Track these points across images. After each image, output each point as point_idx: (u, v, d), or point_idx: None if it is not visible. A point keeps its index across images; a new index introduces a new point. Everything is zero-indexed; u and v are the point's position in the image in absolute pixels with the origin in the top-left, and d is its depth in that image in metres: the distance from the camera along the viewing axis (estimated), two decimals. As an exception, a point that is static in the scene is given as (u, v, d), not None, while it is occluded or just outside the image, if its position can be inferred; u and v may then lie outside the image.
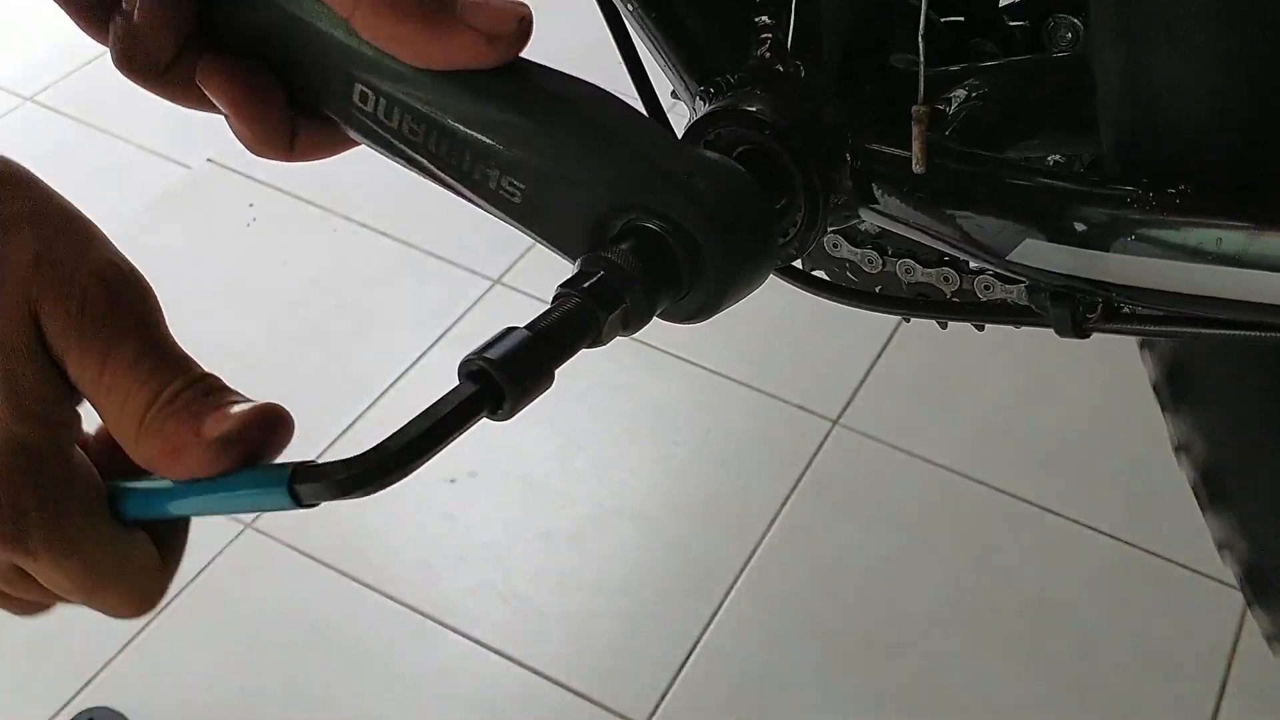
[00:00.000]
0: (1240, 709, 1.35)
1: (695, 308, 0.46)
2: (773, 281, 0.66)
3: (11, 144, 2.02)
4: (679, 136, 0.55)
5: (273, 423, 0.42)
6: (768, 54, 0.55)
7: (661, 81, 0.67)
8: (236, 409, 0.42)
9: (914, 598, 1.46)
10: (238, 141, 0.51)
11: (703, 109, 0.55)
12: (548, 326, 0.42)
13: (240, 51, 0.49)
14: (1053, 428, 1.62)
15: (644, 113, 0.46)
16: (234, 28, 0.49)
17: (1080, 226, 0.48)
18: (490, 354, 0.40)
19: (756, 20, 0.57)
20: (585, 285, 0.43)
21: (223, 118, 0.51)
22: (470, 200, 0.48)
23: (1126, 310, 0.51)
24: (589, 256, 0.44)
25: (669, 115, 0.68)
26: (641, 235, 0.44)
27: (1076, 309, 0.51)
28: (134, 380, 0.41)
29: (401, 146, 0.47)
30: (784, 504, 1.54)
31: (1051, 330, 0.65)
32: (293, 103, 0.50)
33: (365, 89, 0.47)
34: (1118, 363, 1.63)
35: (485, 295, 1.79)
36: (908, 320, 0.68)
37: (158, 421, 0.41)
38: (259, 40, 0.49)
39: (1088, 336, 0.52)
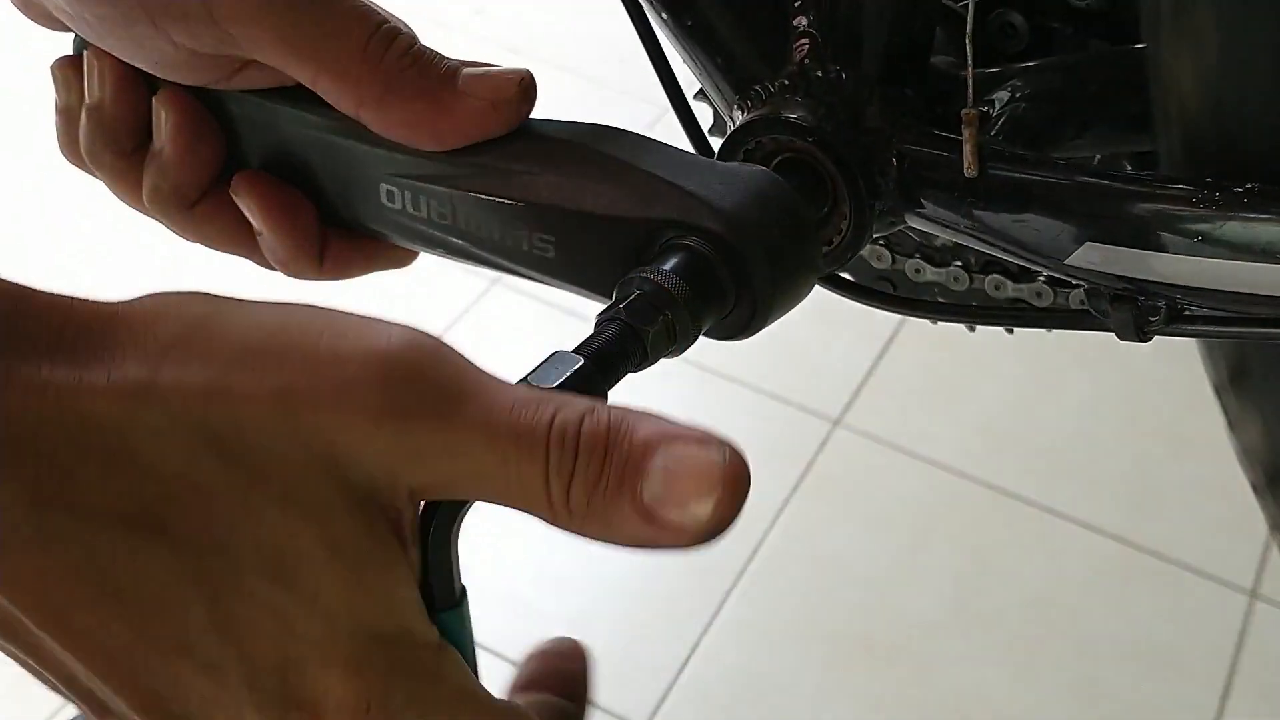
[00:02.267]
0: (1244, 711, 1.35)
1: (742, 322, 0.46)
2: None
3: (13, 147, 2.00)
4: (714, 152, 0.55)
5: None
6: (806, 59, 0.55)
7: (687, 81, 0.66)
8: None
9: (915, 599, 1.46)
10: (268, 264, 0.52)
11: (741, 118, 0.55)
12: (599, 349, 0.41)
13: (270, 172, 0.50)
14: (1054, 428, 1.62)
15: (661, 140, 0.46)
16: (260, 154, 0.50)
17: (1144, 228, 0.48)
18: (549, 383, 0.38)
19: (794, 25, 0.57)
20: (623, 304, 0.43)
21: (237, 249, 0.53)
22: (514, 273, 0.48)
23: (1191, 312, 0.51)
24: (625, 280, 0.44)
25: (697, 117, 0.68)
26: (678, 251, 0.43)
27: (1139, 312, 0.50)
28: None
29: (437, 234, 0.48)
30: (784, 505, 1.54)
31: (1051, 331, 0.65)
32: (323, 219, 0.51)
33: (390, 187, 0.47)
34: (1118, 363, 1.64)
35: (485, 295, 1.78)
36: (971, 329, 0.67)
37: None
38: (285, 163, 0.50)
39: (1150, 340, 0.51)
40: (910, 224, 0.54)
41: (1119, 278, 0.49)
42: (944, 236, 0.54)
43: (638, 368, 0.44)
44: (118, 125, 0.49)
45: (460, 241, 0.47)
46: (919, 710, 1.37)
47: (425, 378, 0.33)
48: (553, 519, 0.34)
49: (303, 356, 0.32)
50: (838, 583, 1.47)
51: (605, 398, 0.40)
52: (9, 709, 1.35)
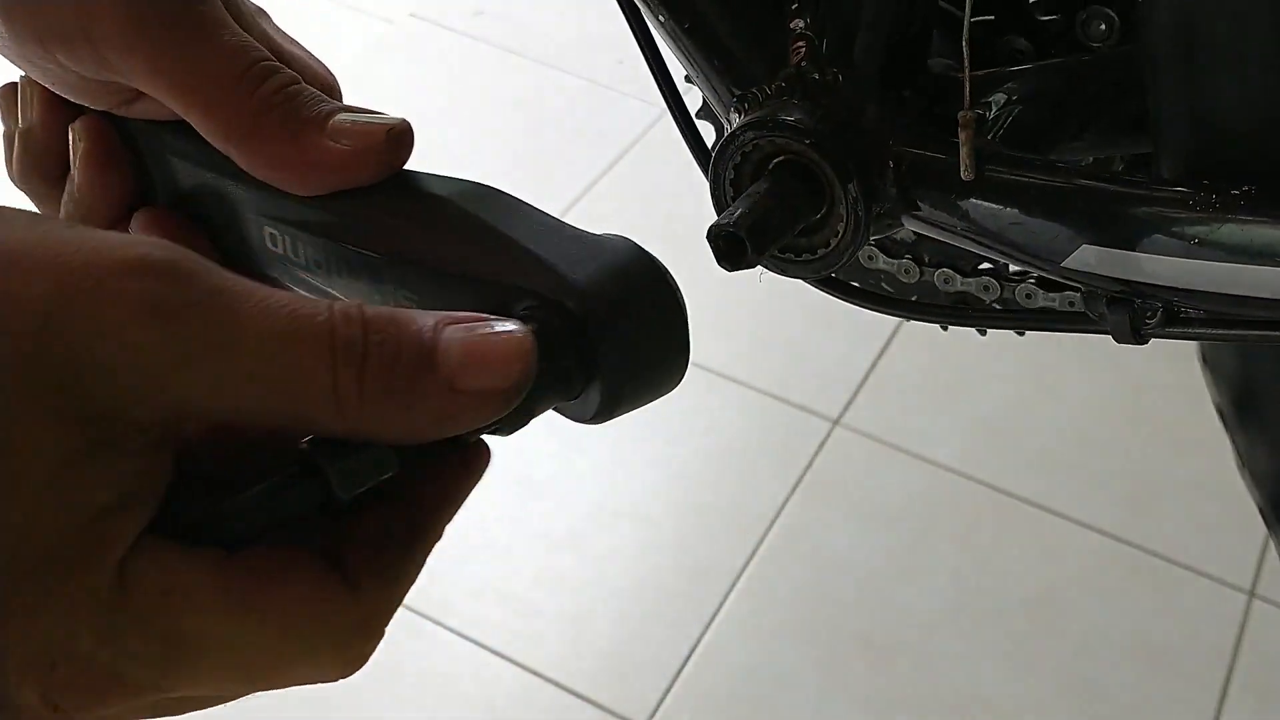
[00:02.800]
0: (1242, 709, 1.35)
1: (592, 408, 0.41)
2: (773, 281, 0.66)
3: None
4: (709, 152, 0.55)
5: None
6: (804, 62, 0.55)
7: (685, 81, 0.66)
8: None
9: (914, 598, 1.46)
10: None
11: (738, 120, 0.55)
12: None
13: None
14: (1053, 428, 1.62)
15: (532, 205, 0.44)
16: (166, 188, 0.49)
17: (1140, 231, 0.48)
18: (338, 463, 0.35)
19: (791, 27, 0.57)
20: None
21: None
22: None
23: (1187, 314, 0.51)
24: None
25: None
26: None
27: (1135, 314, 0.50)
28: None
29: (314, 283, 0.46)
30: (784, 504, 1.54)
31: (1049, 333, 0.65)
32: (224, 261, 0.50)
33: (272, 230, 0.46)
34: (1118, 363, 1.64)
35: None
36: (983, 332, 0.67)
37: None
38: (187, 200, 0.49)
39: (1146, 342, 0.51)
40: (907, 226, 0.54)
41: (1115, 280, 0.49)
42: (941, 239, 0.54)
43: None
44: (43, 150, 0.48)
45: (333, 291, 0.46)
46: (918, 708, 1.37)
47: (192, 277, 0.31)
48: (337, 416, 0.32)
49: (62, 264, 0.30)
50: (837, 582, 1.47)
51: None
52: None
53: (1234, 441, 0.66)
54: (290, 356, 0.31)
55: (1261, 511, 0.68)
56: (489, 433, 0.38)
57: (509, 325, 0.34)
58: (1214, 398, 0.64)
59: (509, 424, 0.38)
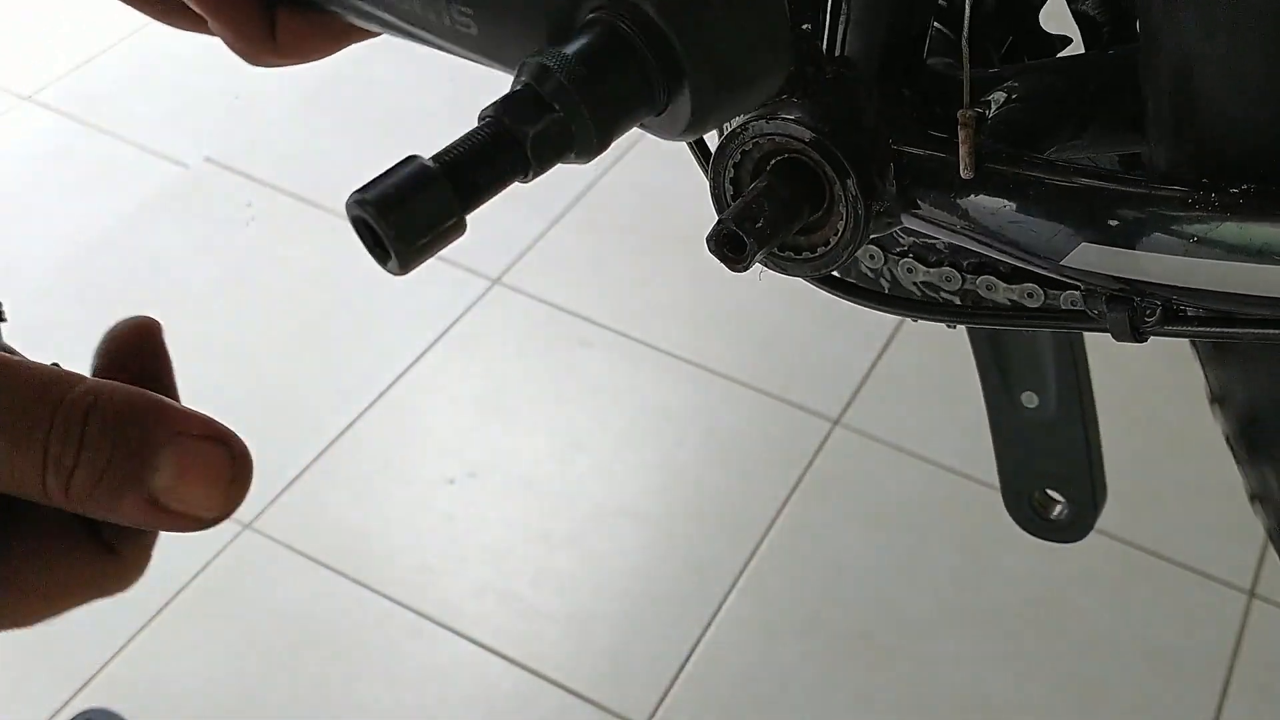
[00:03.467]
0: (1242, 710, 1.35)
1: (682, 121, 0.37)
2: (773, 281, 0.66)
3: (10, 144, 2.00)
4: (709, 152, 0.55)
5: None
6: (803, 60, 0.55)
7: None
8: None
9: (914, 598, 1.46)
10: (231, 53, 0.50)
11: (737, 119, 0.55)
12: (457, 157, 0.34)
13: None
14: (1052, 428, 1.62)
15: None
16: None
17: (1140, 229, 0.48)
18: (369, 195, 0.33)
19: (790, 25, 0.57)
20: (503, 98, 0.35)
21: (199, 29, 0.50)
22: (447, 50, 0.43)
23: (1187, 313, 0.51)
24: (521, 64, 0.36)
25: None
26: (593, 30, 0.35)
27: (1135, 313, 0.50)
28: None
29: (370, 8, 0.43)
30: (784, 504, 1.54)
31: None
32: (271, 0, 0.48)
33: None
34: (1118, 363, 1.64)
35: (485, 295, 1.78)
36: (953, 326, 0.67)
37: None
38: None
39: (1145, 340, 0.51)
40: (907, 225, 0.54)
41: (1115, 279, 0.49)
42: (940, 238, 0.54)
43: (523, 178, 0.35)
44: None
45: (388, 15, 0.43)
46: (917, 709, 1.37)
47: None
48: (47, 502, 0.33)
49: None
50: (837, 582, 1.47)
51: (459, 219, 0.34)
52: (7, 710, 1.36)
53: (1244, 473, 0.66)
54: (4, 459, 0.32)
55: (1272, 537, 0.68)
56: (575, 163, 0.36)
57: (227, 448, 0.34)
58: (1223, 429, 0.64)
59: (580, 140, 0.35)
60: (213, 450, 0.34)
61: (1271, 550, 1.45)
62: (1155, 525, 1.51)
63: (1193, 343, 0.62)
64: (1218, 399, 0.63)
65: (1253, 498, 0.66)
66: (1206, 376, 0.64)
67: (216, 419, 0.34)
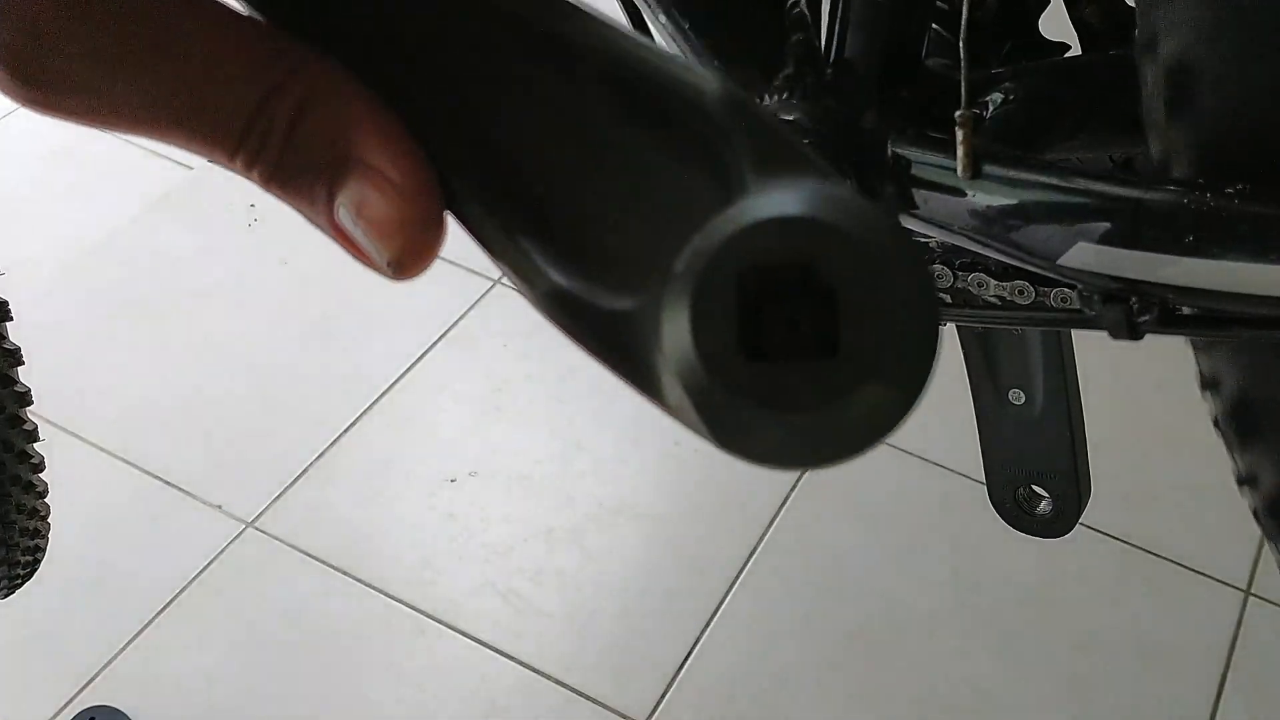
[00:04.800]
0: (1238, 708, 1.35)
1: None
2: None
3: (14, 145, 2.01)
4: None
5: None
6: (802, 62, 0.56)
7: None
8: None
9: (913, 595, 1.46)
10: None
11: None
12: None
13: None
14: (1050, 427, 1.62)
15: None
16: None
17: (1136, 229, 0.48)
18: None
19: (789, 29, 0.57)
20: None
21: None
22: None
23: (1183, 312, 0.51)
24: None
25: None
26: None
27: (1131, 311, 0.51)
28: None
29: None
30: (784, 503, 1.54)
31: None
32: None
33: None
34: (1117, 363, 1.64)
35: (486, 295, 1.78)
36: (943, 324, 0.68)
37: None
38: None
39: (1141, 338, 0.52)
40: (905, 224, 0.55)
41: (1111, 278, 0.50)
42: (938, 237, 0.55)
43: None
44: None
45: None
46: (916, 706, 1.37)
47: None
48: (239, 170, 0.32)
49: None
50: (836, 580, 1.48)
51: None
52: (10, 708, 1.36)
53: (1232, 457, 0.66)
54: (213, 98, 0.31)
55: (1260, 522, 0.69)
56: None
57: (408, 203, 0.32)
58: (1212, 413, 0.65)
59: None
60: (393, 198, 0.32)
61: (1268, 549, 1.45)
62: (1151, 523, 1.52)
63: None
64: (1208, 384, 0.64)
65: (1240, 482, 0.67)
66: (1198, 362, 0.65)
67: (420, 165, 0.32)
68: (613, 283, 0.32)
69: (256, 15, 0.34)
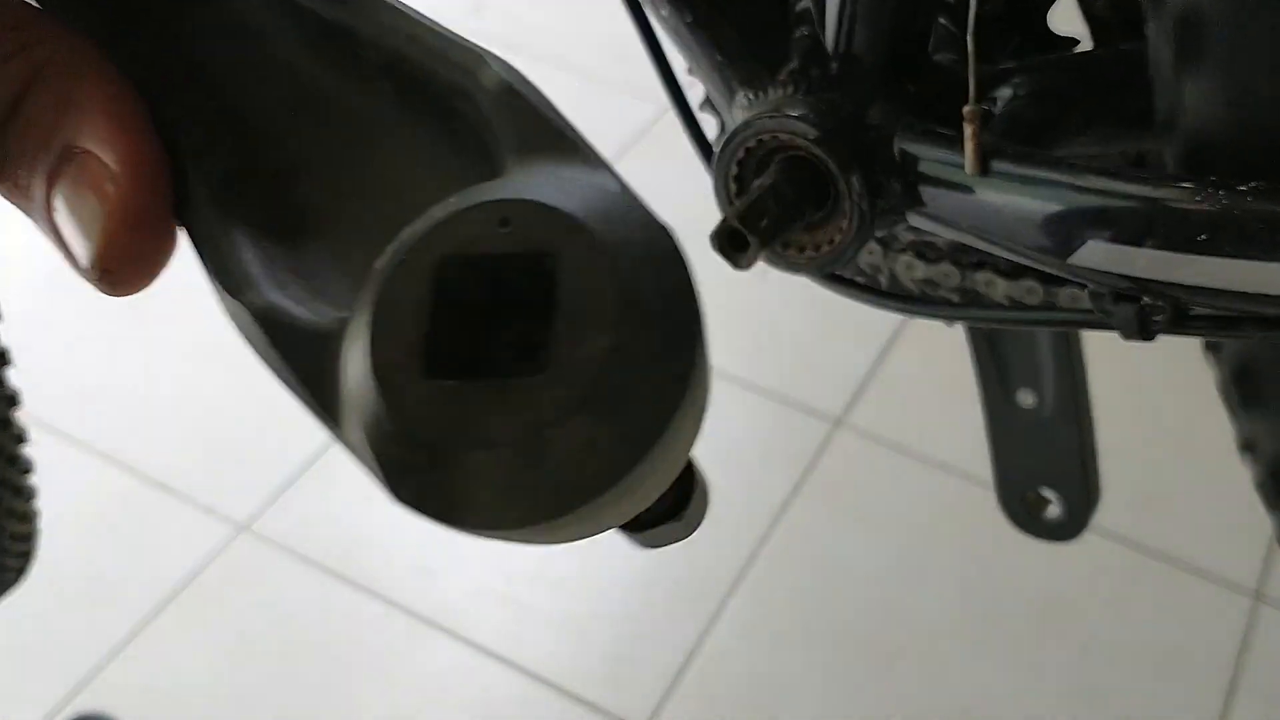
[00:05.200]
0: (1249, 713, 1.34)
1: None
2: (774, 281, 0.65)
3: None
4: (712, 150, 0.54)
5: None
6: (808, 56, 0.54)
7: (687, 80, 0.65)
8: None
9: (917, 601, 1.45)
10: None
11: (742, 115, 0.54)
12: None
13: None
14: (1055, 429, 1.61)
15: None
16: None
17: (1147, 226, 0.47)
18: None
19: (794, 22, 0.56)
20: None
21: None
22: None
23: (1195, 312, 0.50)
24: None
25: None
26: None
27: (1143, 312, 0.50)
28: None
29: None
30: (785, 505, 1.53)
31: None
32: None
33: None
34: (1122, 363, 1.63)
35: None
36: (950, 324, 0.67)
37: None
38: None
39: (1154, 339, 0.51)
40: (912, 222, 0.53)
41: (1122, 277, 0.48)
42: (945, 235, 0.53)
43: None
44: None
45: None
46: (922, 712, 1.36)
47: None
48: None
49: None
50: (840, 584, 1.46)
51: None
52: (4, 714, 1.35)
53: (1235, 423, 0.65)
54: None
55: (1262, 491, 0.68)
56: None
57: (115, 186, 0.27)
58: (1215, 378, 0.63)
59: None
60: (101, 185, 0.26)
61: (1278, 553, 1.44)
62: (1160, 527, 1.50)
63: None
64: (1211, 346, 0.63)
65: (1243, 448, 0.66)
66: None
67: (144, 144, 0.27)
68: (326, 299, 0.27)
69: None
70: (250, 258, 0.28)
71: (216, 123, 0.29)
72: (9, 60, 0.27)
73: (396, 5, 0.29)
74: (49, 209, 0.27)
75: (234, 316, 0.28)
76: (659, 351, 0.22)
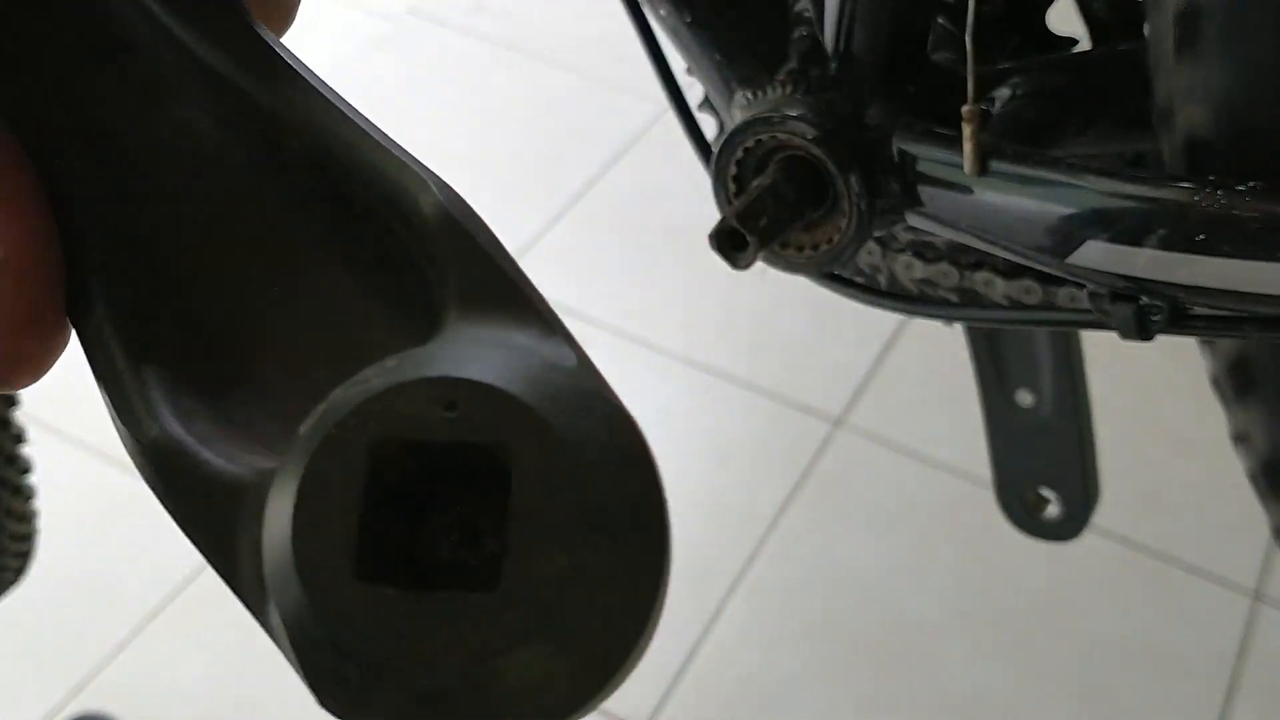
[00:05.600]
0: (1248, 713, 1.34)
1: None
2: (774, 281, 0.65)
3: None
4: (711, 150, 0.54)
5: None
6: (806, 56, 0.54)
7: (686, 80, 0.65)
8: None
9: (916, 601, 1.45)
10: None
11: (741, 116, 0.54)
12: None
13: None
14: (1055, 429, 1.61)
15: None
16: None
17: (1147, 227, 0.47)
18: None
19: (793, 22, 0.56)
20: None
21: None
22: None
23: (1194, 311, 0.50)
24: None
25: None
26: None
27: (1141, 311, 0.50)
28: None
29: None
30: (785, 506, 1.53)
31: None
32: None
33: None
34: (1121, 363, 1.63)
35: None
36: (950, 324, 0.67)
37: None
38: None
39: (1152, 339, 0.51)
40: (910, 222, 0.53)
41: (1121, 276, 0.48)
42: (944, 235, 0.53)
43: None
44: None
45: None
46: (921, 713, 1.36)
47: None
48: None
49: None
50: (839, 584, 1.46)
51: None
52: (10, 709, 1.35)
53: (1229, 413, 0.65)
54: None
55: (1255, 482, 0.68)
56: None
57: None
58: (1210, 370, 0.63)
59: None
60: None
61: (1277, 553, 1.44)
62: (1158, 526, 1.50)
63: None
64: (1206, 339, 0.63)
65: (1236, 439, 0.66)
66: None
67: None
68: (241, 438, 0.23)
69: None
70: (152, 378, 0.24)
71: (119, 207, 0.25)
72: None
73: (332, 100, 0.25)
74: None
75: (125, 445, 0.24)
76: (624, 574, 0.20)
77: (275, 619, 0.21)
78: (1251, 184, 0.47)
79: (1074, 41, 0.66)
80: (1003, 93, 0.57)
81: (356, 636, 0.20)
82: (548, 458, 0.20)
